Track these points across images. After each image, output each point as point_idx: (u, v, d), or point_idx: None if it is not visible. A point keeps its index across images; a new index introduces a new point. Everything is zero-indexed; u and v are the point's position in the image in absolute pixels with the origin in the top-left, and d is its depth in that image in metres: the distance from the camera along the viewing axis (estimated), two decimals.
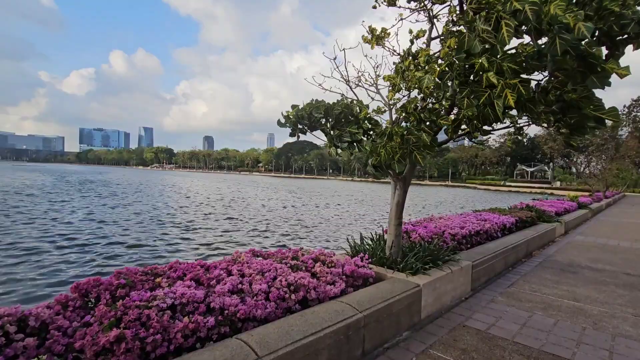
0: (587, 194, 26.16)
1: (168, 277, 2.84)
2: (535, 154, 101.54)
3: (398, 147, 2.75)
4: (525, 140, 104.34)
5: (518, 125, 4.44)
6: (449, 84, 2.63)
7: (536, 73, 2.71)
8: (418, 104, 3.04)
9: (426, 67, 2.72)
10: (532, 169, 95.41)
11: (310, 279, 3.04)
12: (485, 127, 3.91)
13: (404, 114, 2.96)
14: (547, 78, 2.71)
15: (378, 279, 3.80)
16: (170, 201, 27.11)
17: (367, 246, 4.70)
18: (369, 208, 27.32)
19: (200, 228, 15.68)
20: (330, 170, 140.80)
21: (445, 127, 3.00)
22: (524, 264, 6.24)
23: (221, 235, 14.14)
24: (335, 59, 4.19)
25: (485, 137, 5.11)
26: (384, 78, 3.55)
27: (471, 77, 2.46)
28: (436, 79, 2.64)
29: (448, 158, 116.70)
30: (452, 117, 2.99)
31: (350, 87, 4.28)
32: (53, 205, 21.71)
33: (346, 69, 4.04)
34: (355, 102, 4.06)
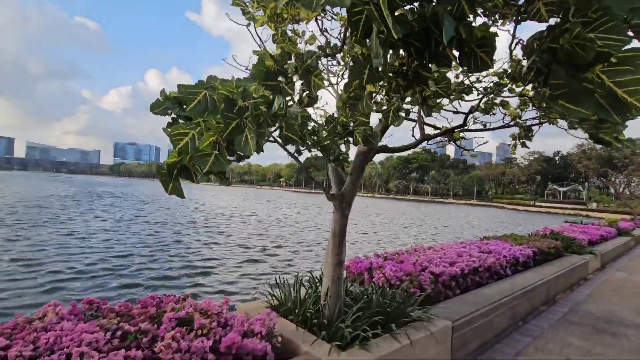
0: (628, 217, 23.24)
1: None
2: (568, 173, 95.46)
3: (218, 126, 1.42)
4: (557, 158, 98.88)
5: (523, 124, 3.05)
6: None
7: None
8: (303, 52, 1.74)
9: None
10: (564, 189, 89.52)
11: None
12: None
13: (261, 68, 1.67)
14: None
15: (288, 354, 2.43)
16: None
17: (300, 292, 3.32)
18: (382, 227, 25.48)
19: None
20: None
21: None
22: (542, 315, 4.60)
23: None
24: (248, 25, 2.98)
25: (475, 146, 3.69)
26: None
27: None
28: None
29: (473, 176, 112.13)
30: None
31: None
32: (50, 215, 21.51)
33: (257, 33, 2.80)
34: None
